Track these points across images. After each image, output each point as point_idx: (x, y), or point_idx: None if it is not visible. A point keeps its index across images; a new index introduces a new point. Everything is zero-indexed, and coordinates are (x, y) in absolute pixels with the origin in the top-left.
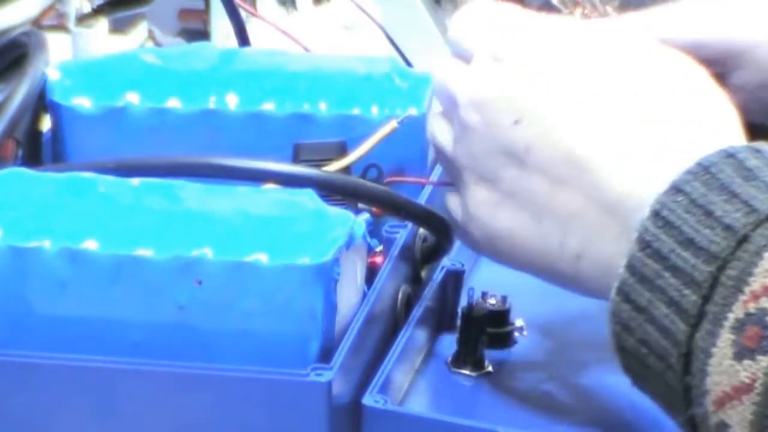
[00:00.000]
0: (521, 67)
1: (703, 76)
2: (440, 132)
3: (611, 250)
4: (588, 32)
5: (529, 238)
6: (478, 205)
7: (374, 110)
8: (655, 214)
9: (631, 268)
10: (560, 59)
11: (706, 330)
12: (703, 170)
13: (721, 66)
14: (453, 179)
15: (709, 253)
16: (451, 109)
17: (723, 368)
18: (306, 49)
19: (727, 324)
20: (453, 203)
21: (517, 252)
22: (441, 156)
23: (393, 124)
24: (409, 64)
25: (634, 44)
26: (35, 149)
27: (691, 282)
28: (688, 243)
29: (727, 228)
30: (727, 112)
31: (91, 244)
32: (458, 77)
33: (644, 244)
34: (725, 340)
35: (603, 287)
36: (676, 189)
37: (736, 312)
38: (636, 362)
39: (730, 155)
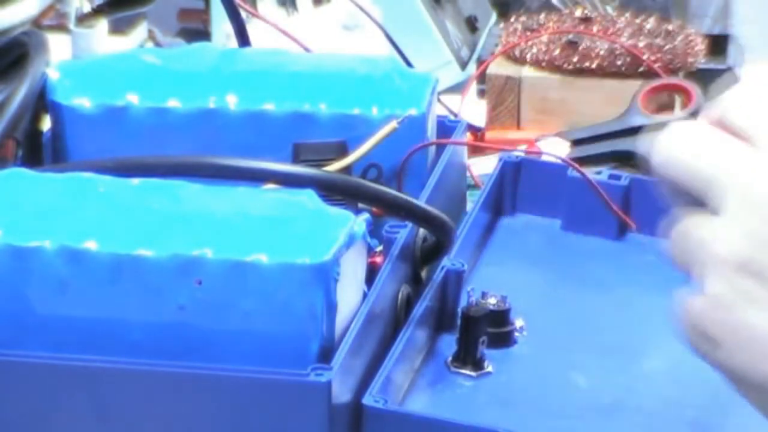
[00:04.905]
0: None
1: None
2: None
3: None
4: None
5: None
6: (737, 295)
7: (374, 110)
8: None
9: None
10: None
11: None
12: None
13: None
14: (692, 260)
15: None
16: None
17: None
18: (306, 49)
19: None
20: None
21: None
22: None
23: (393, 124)
24: (409, 64)
25: None
26: (35, 149)
27: None
28: None
29: None
30: None
31: (91, 244)
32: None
33: None
34: None
35: None
36: None
37: None
38: None
39: None
